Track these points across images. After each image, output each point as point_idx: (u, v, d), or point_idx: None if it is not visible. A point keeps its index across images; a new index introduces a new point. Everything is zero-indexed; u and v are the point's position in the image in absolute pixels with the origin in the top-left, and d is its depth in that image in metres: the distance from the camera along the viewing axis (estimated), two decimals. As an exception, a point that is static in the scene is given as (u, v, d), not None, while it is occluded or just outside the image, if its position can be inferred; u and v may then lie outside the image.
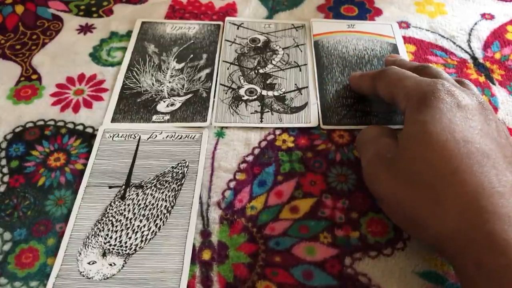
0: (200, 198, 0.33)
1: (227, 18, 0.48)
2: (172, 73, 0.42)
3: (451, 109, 0.27)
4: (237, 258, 0.30)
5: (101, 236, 0.31)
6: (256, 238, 0.31)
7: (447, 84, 0.29)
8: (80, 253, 0.30)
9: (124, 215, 0.32)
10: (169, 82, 0.41)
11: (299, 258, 0.30)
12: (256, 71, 0.42)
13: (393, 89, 0.32)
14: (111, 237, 0.31)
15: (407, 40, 0.46)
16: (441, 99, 0.28)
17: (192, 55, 0.44)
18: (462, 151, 0.25)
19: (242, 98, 0.40)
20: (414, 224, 0.26)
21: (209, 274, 0.29)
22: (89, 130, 0.38)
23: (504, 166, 0.25)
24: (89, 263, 0.29)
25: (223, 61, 0.43)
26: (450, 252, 0.25)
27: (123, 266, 0.29)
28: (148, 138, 0.36)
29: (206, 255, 0.30)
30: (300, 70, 0.42)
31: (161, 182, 0.34)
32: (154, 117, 0.38)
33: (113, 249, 0.30)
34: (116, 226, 0.31)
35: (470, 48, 0.45)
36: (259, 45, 0.45)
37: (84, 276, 0.29)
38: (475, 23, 0.47)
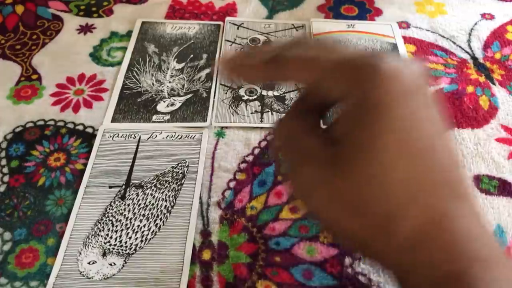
0: (200, 198, 0.33)
1: (227, 18, 0.48)
2: (172, 73, 0.42)
3: (407, 104, 0.20)
4: (237, 258, 0.30)
5: (101, 236, 0.31)
6: (256, 238, 0.31)
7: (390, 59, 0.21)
8: (80, 253, 0.30)
9: (124, 215, 0.32)
10: (169, 82, 0.41)
11: (299, 258, 0.30)
12: (256, 71, 0.42)
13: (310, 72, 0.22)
14: (111, 237, 0.31)
15: (407, 40, 0.46)
16: (394, 91, 0.20)
17: (192, 55, 0.44)
18: (424, 167, 0.20)
19: (242, 98, 0.40)
20: (368, 254, 0.22)
21: (209, 274, 0.29)
22: (89, 130, 0.38)
23: (459, 183, 0.21)
24: (89, 263, 0.29)
25: (223, 61, 0.43)
26: (409, 285, 0.21)
27: (123, 266, 0.29)
28: (148, 138, 0.36)
29: (206, 255, 0.30)
30: (300, 70, 0.42)
31: (161, 182, 0.34)
32: (154, 117, 0.38)
33: (113, 249, 0.30)
34: (116, 226, 0.31)
35: (470, 48, 0.45)
36: (259, 45, 0.45)
37: (84, 276, 0.29)
38: (475, 23, 0.47)
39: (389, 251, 0.21)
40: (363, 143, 0.20)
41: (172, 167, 0.35)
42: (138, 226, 0.31)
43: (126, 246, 0.30)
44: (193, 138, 0.37)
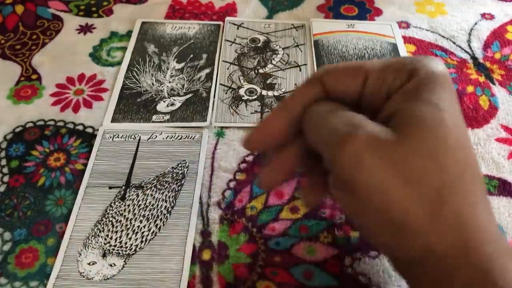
0: (200, 198, 0.33)
1: (227, 18, 0.48)
2: (172, 73, 0.42)
3: (455, 95, 0.22)
4: (237, 258, 0.30)
5: (101, 237, 0.31)
6: (256, 238, 0.31)
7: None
8: (80, 254, 0.30)
9: (124, 215, 0.32)
10: (169, 82, 0.41)
11: (299, 258, 0.30)
12: (256, 71, 0.42)
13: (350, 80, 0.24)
14: (111, 238, 0.31)
15: (407, 40, 0.46)
16: (449, 80, 0.22)
17: (192, 55, 0.44)
18: (467, 152, 0.21)
19: (242, 98, 0.40)
20: (397, 230, 0.21)
21: (209, 274, 0.29)
22: (89, 130, 0.38)
23: (482, 176, 0.22)
24: (89, 264, 0.29)
25: (223, 61, 0.43)
26: (429, 274, 0.21)
27: (123, 266, 0.29)
28: (148, 139, 0.36)
29: (206, 255, 0.30)
30: (300, 70, 0.42)
31: (161, 183, 0.34)
32: (154, 117, 0.38)
33: (113, 249, 0.30)
34: (116, 227, 0.31)
35: (470, 48, 0.45)
36: (259, 45, 0.45)
37: (84, 277, 0.29)
38: (475, 23, 0.47)
39: (431, 229, 0.20)
40: (424, 117, 0.21)
41: (172, 167, 0.35)
42: (138, 226, 0.31)
43: (126, 247, 0.30)
44: (193, 138, 0.37)
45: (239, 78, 0.41)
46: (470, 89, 0.41)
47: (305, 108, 0.24)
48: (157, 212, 0.32)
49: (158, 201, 0.32)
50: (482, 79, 0.42)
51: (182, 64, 0.43)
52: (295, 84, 0.41)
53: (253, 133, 0.25)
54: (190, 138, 0.37)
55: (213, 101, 0.39)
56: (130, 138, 0.36)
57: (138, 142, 0.36)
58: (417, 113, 0.21)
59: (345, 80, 0.23)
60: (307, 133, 0.24)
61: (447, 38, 0.46)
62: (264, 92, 0.40)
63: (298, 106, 0.24)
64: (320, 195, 0.26)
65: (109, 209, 0.32)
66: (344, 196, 0.22)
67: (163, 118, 0.38)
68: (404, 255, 0.22)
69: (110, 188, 0.33)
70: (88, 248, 0.30)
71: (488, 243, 0.20)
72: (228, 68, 0.42)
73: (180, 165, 0.35)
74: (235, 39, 0.45)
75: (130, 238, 0.31)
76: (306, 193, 0.27)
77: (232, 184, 0.34)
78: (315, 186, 0.26)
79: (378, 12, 0.49)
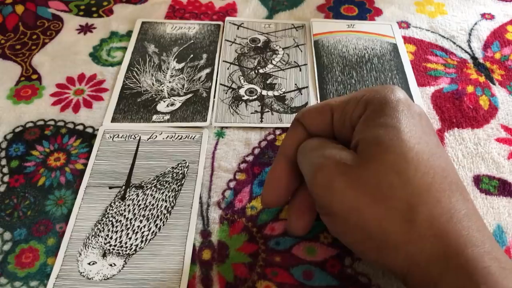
0: (200, 198, 0.33)
1: (227, 18, 0.48)
2: (172, 73, 0.42)
3: (413, 115, 0.24)
4: (237, 258, 0.30)
5: (101, 237, 0.31)
6: (256, 238, 0.31)
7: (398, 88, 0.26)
8: (80, 254, 0.30)
9: (124, 215, 0.32)
10: (169, 82, 0.41)
11: (299, 258, 0.30)
12: (256, 71, 0.42)
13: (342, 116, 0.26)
14: (111, 238, 0.31)
15: (407, 40, 0.46)
16: (404, 102, 0.24)
17: (192, 55, 0.44)
18: (433, 164, 0.22)
19: (242, 98, 0.40)
20: (380, 246, 0.22)
21: (209, 274, 0.29)
22: (89, 130, 0.38)
23: (460, 183, 0.23)
24: (89, 264, 0.29)
25: (223, 61, 0.43)
26: (418, 281, 0.22)
27: (123, 266, 0.29)
28: (148, 139, 0.36)
29: (206, 255, 0.30)
30: (300, 70, 0.42)
31: (161, 183, 0.34)
32: (154, 117, 0.38)
33: (113, 249, 0.30)
34: (116, 227, 0.31)
35: (470, 48, 0.45)
36: (259, 45, 0.45)
37: (84, 277, 0.29)
38: (475, 23, 0.47)
39: (409, 241, 0.21)
40: (382, 138, 0.23)
41: (172, 167, 0.35)
42: (138, 226, 0.31)
43: (126, 247, 0.30)
44: (193, 138, 0.37)
45: (239, 78, 0.41)
46: (470, 89, 0.41)
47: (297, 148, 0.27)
48: (157, 212, 0.32)
49: (158, 201, 0.32)
50: (482, 79, 0.42)
51: (182, 64, 0.43)
52: (295, 84, 0.41)
53: (265, 191, 0.29)
54: (190, 138, 0.37)
55: (213, 101, 0.39)
56: (130, 138, 0.36)
57: (138, 142, 0.36)
58: (375, 138, 0.23)
59: (317, 119, 0.27)
60: (299, 164, 0.27)
61: (447, 38, 0.46)
62: (264, 92, 0.40)
63: (291, 149, 0.28)
64: (307, 223, 0.29)
65: (109, 209, 0.32)
66: (328, 220, 0.25)
67: (163, 118, 0.38)
68: (392, 266, 0.22)
69: (110, 188, 0.33)
70: (88, 248, 0.30)
71: (469, 248, 0.21)
72: (228, 68, 0.42)
73: (180, 165, 0.35)
74: (235, 39, 0.45)
75: (130, 238, 0.31)
76: (293, 220, 0.29)
77: (232, 184, 0.34)
78: (302, 213, 0.29)
79: (378, 12, 0.49)
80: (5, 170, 0.35)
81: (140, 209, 0.32)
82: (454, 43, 0.45)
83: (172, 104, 0.39)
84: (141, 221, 0.31)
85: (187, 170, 0.34)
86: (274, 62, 0.43)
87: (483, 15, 0.48)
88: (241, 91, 0.40)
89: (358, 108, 0.25)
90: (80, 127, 0.38)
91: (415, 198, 0.21)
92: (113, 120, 0.38)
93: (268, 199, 0.28)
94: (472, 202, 0.23)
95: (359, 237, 0.23)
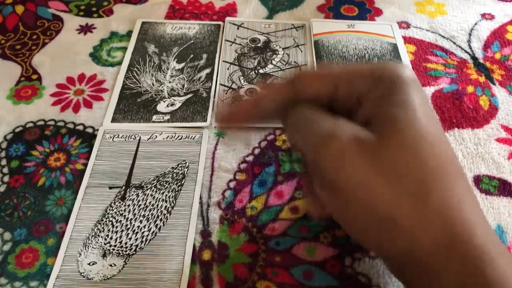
0: (200, 198, 0.33)
1: (227, 18, 0.48)
2: (172, 73, 0.42)
3: (423, 95, 0.23)
4: (237, 258, 0.30)
5: (101, 237, 0.31)
6: (256, 238, 0.31)
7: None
8: (80, 254, 0.30)
9: (124, 215, 0.32)
10: (169, 82, 0.41)
11: (299, 258, 0.30)
12: (256, 71, 0.42)
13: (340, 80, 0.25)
14: (111, 238, 0.31)
15: (407, 40, 0.46)
16: (414, 80, 0.24)
17: (192, 55, 0.44)
18: (445, 147, 0.22)
19: (242, 98, 0.40)
20: (385, 226, 0.21)
21: (209, 274, 0.29)
22: (89, 130, 0.38)
23: (463, 170, 0.23)
24: (89, 264, 0.29)
25: (223, 61, 0.43)
26: (419, 268, 0.21)
27: (123, 266, 0.29)
28: (148, 139, 0.36)
29: (206, 255, 0.30)
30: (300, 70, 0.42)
31: (161, 183, 0.34)
32: (154, 117, 0.38)
33: (113, 249, 0.30)
34: (116, 227, 0.31)
35: (470, 48, 0.45)
36: (259, 45, 0.45)
37: (84, 277, 0.29)
38: (475, 23, 0.47)
39: (418, 223, 0.21)
40: (399, 117, 0.22)
41: (172, 167, 0.35)
42: (138, 226, 0.31)
43: (126, 247, 0.30)
44: (193, 138, 0.37)
45: (239, 78, 0.41)
46: (470, 89, 0.41)
47: (279, 107, 0.25)
48: (157, 212, 0.32)
49: (158, 201, 0.32)
50: (482, 79, 0.42)
51: (182, 64, 0.43)
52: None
53: (224, 114, 0.27)
54: (190, 138, 0.37)
55: (213, 101, 0.39)
56: (130, 138, 0.36)
57: (138, 142, 0.36)
58: (391, 116, 0.22)
59: (316, 86, 0.25)
60: (290, 135, 0.25)
61: (447, 38, 0.46)
62: (264, 92, 0.40)
63: (269, 102, 0.26)
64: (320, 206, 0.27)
65: (109, 209, 0.32)
66: (329, 196, 0.23)
67: (163, 118, 0.38)
68: (393, 251, 0.22)
69: (110, 188, 0.33)
70: (88, 248, 0.30)
71: (476, 236, 0.20)
72: (228, 68, 0.42)
73: (180, 165, 0.35)
74: (235, 39, 0.45)
75: (130, 238, 0.31)
76: (313, 208, 0.28)
77: (232, 184, 0.34)
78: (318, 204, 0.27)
79: (378, 12, 0.49)
80: (5, 170, 0.35)
81: (140, 209, 0.32)
82: (454, 43, 0.45)
83: (172, 104, 0.39)
84: (141, 221, 0.31)
85: (187, 170, 0.34)
86: (274, 62, 0.43)
87: (483, 15, 0.48)
88: (241, 91, 0.40)
89: (367, 83, 0.24)
90: (80, 127, 0.38)
91: (430, 181, 0.21)
92: (113, 120, 0.38)
93: (221, 119, 0.27)
94: (473, 191, 0.23)
95: (362, 216, 0.22)
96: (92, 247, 0.30)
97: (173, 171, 0.34)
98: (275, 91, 0.26)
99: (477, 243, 0.20)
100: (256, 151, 0.36)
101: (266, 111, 0.26)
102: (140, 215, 0.32)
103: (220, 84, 0.41)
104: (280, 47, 0.45)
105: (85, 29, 0.47)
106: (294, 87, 0.25)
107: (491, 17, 0.48)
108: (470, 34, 0.46)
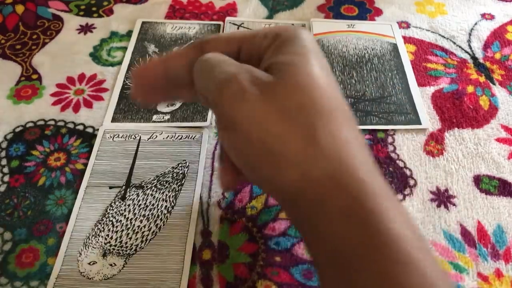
0: (201, 198, 0.33)
1: (227, 18, 0.48)
2: (172, 73, 0.42)
3: (319, 50, 0.25)
4: (237, 257, 0.30)
5: (102, 237, 0.31)
6: (256, 238, 0.31)
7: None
8: (81, 254, 0.30)
9: (125, 215, 0.32)
10: (169, 82, 0.41)
11: (299, 258, 0.30)
12: (256, 71, 0.42)
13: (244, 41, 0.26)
14: (111, 238, 0.31)
15: (407, 40, 0.46)
16: (312, 39, 0.25)
17: (192, 55, 0.44)
18: (337, 94, 0.24)
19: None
20: (277, 161, 0.22)
21: (209, 274, 0.29)
22: (89, 130, 0.38)
23: (352, 119, 0.24)
24: (89, 264, 0.29)
25: (223, 61, 0.43)
26: (308, 201, 0.22)
27: (124, 266, 0.29)
28: (148, 139, 0.36)
29: (207, 255, 0.30)
30: (300, 70, 0.42)
31: (162, 183, 0.34)
32: (155, 117, 0.38)
33: (113, 249, 0.30)
34: (117, 227, 0.31)
35: (470, 48, 0.45)
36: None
37: (84, 276, 0.29)
38: (475, 23, 0.48)
39: (306, 157, 0.22)
40: (294, 62, 0.23)
41: (173, 167, 0.35)
42: (139, 226, 0.31)
43: (127, 247, 0.30)
44: (193, 138, 0.37)
45: (239, 78, 0.41)
46: (470, 89, 0.41)
47: (188, 68, 0.26)
48: (157, 212, 0.32)
49: (159, 201, 0.32)
50: (482, 79, 0.42)
51: (182, 64, 0.43)
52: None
53: (136, 69, 0.28)
54: (191, 138, 0.37)
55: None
56: (131, 138, 0.36)
57: (139, 142, 0.36)
58: (286, 61, 0.24)
59: (221, 48, 0.26)
60: (196, 80, 0.26)
61: (447, 38, 0.46)
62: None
63: (176, 61, 0.27)
64: (234, 178, 0.28)
65: (110, 209, 0.32)
66: (227, 134, 0.24)
67: (163, 118, 0.38)
68: (284, 185, 0.23)
69: (110, 188, 0.33)
70: (88, 247, 0.30)
71: (360, 171, 0.21)
72: (228, 68, 0.42)
73: (180, 165, 0.35)
74: (235, 39, 0.45)
75: (130, 238, 0.31)
76: (222, 175, 0.29)
77: (232, 184, 0.34)
78: (229, 169, 0.28)
79: (378, 12, 0.49)
80: (5, 170, 0.35)
81: (141, 209, 0.32)
82: (454, 43, 0.45)
83: (172, 104, 0.39)
84: (141, 221, 0.31)
85: (187, 170, 0.34)
86: (274, 62, 0.43)
87: (483, 15, 0.48)
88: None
89: (266, 40, 0.25)
90: (80, 127, 0.38)
91: (319, 118, 0.22)
92: (113, 120, 0.38)
93: (133, 88, 0.28)
94: (362, 137, 0.24)
95: (257, 152, 0.23)
96: (93, 247, 0.30)
97: (173, 170, 0.34)
98: (184, 52, 0.27)
99: (360, 177, 0.21)
100: (256, 151, 0.36)
101: (175, 70, 0.27)
102: (140, 215, 0.32)
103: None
104: (280, 47, 0.44)
105: (85, 29, 0.47)
106: (202, 50, 0.26)
107: (491, 17, 0.48)
108: (470, 34, 0.46)
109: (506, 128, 0.38)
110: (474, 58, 0.44)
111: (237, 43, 0.26)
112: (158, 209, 0.32)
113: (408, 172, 0.35)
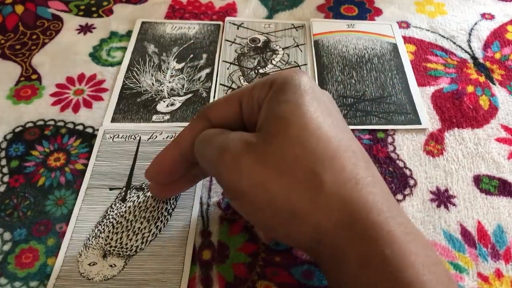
0: (200, 198, 0.33)
1: (227, 18, 0.48)
2: (172, 73, 0.42)
3: (315, 93, 0.25)
4: (237, 258, 0.30)
5: (102, 238, 0.31)
6: (256, 238, 0.31)
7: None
8: (81, 254, 0.30)
9: (125, 217, 0.32)
10: (169, 82, 0.41)
11: (299, 258, 0.30)
12: (256, 71, 0.42)
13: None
14: (111, 239, 0.31)
15: (407, 40, 0.46)
16: (306, 83, 0.25)
17: (192, 55, 0.44)
18: (336, 135, 0.23)
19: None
20: (289, 219, 0.22)
21: (209, 274, 0.29)
22: (89, 130, 0.38)
23: (364, 153, 0.24)
24: (89, 264, 0.29)
25: (223, 61, 0.43)
26: (328, 250, 0.22)
27: (124, 267, 0.29)
28: (148, 139, 0.36)
29: (206, 255, 0.30)
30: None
31: (162, 183, 0.33)
32: (154, 117, 0.38)
33: (113, 250, 0.30)
34: (117, 228, 0.31)
35: (470, 48, 0.45)
36: (259, 45, 0.45)
37: (84, 277, 0.29)
38: (475, 23, 0.47)
39: (316, 209, 0.22)
40: (284, 113, 0.23)
41: (172, 167, 0.35)
42: (139, 228, 0.31)
43: (127, 248, 0.30)
44: (193, 138, 0.36)
45: (239, 78, 0.41)
46: (470, 89, 0.41)
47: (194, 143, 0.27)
48: (157, 214, 0.32)
49: (159, 203, 0.32)
50: (482, 79, 0.42)
51: (182, 64, 0.43)
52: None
53: (150, 166, 0.29)
54: (190, 138, 0.36)
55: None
56: (130, 138, 0.36)
57: (139, 142, 0.36)
58: (277, 113, 0.23)
59: (225, 110, 0.27)
60: (198, 159, 0.26)
61: (447, 38, 0.46)
62: (264, 92, 0.40)
63: (187, 140, 0.27)
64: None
65: (110, 211, 0.32)
66: (237, 203, 0.24)
67: (163, 118, 0.38)
68: (301, 239, 0.23)
69: (110, 189, 0.33)
70: (88, 248, 0.30)
71: (374, 213, 0.21)
72: (228, 68, 0.42)
73: (180, 165, 0.35)
74: (235, 39, 0.45)
75: (130, 239, 0.31)
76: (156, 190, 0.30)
77: (232, 184, 0.34)
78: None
79: (378, 12, 0.49)
80: (5, 170, 0.35)
81: (141, 211, 0.32)
82: (454, 43, 0.45)
83: (172, 104, 0.39)
84: (141, 223, 0.31)
85: (187, 170, 0.34)
86: (274, 62, 0.43)
87: (483, 15, 0.48)
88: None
89: (264, 90, 0.25)
90: (80, 127, 0.38)
91: (319, 166, 0.22)
92: (113, 120, 0.38)
93: (150, 172, 0.29)
94: (376, 170, 0.24)
95: (268, 214, 0.23)
96: (93, 248, 0.30)
97: (173, 171, 0.34)
98: (189, 128, 0.28)
99: (375, 220, 0.21)
100: (256, 151, 0.36)
101: (188, 150, 0.27)
102: (140, 217, 0.32)
103: (220, 84, 0.41)
104: (280, 47, 0.45)
105: (85, 29, 0.47)
106: (206, 119, 0.27)
107: (491, 17, 0.48)
108: (470, 34, 0.46)
109: (506, 128, 0.38)
110: (474, 58, 0.44)
111: (237, 100, 0.26)
112: (158, 211, 0.32)
113: (408, 172, 0.35)
